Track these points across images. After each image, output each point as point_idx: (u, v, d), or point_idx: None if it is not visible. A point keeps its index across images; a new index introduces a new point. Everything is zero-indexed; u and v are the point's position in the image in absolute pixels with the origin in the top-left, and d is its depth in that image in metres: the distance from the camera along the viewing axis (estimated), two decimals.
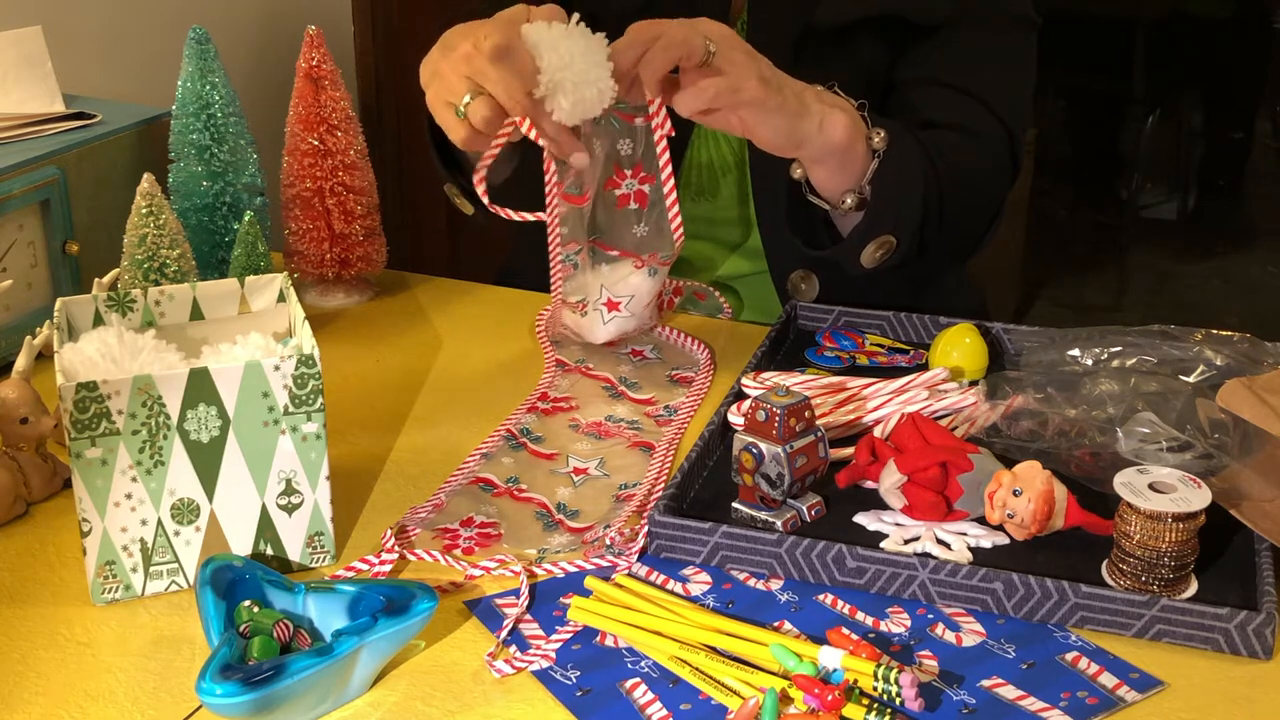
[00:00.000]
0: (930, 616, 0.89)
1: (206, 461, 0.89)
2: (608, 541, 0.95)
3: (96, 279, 1.08)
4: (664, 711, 0.80)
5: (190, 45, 1.27)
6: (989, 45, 1.30)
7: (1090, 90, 4.24)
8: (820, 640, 0.85)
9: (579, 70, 1.02)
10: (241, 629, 0.82)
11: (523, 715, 0.81)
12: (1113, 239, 4.22)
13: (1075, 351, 1.14)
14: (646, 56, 1.05)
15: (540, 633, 0.88)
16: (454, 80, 1.04)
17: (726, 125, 1.11)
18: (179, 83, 1.28)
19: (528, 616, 0.89)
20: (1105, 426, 1.00)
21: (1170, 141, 4.30)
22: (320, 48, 1.30)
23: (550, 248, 1.19)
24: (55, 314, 0.97)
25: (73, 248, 1.26)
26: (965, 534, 0.95)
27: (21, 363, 1.02)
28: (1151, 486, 0.89)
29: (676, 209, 1.17)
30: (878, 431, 1.06)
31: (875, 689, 0.80)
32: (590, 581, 0.91)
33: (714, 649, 0.85)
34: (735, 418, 1.07)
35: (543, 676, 0.83)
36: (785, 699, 0.80)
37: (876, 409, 1.09)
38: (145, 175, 1.12)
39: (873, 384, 1.12)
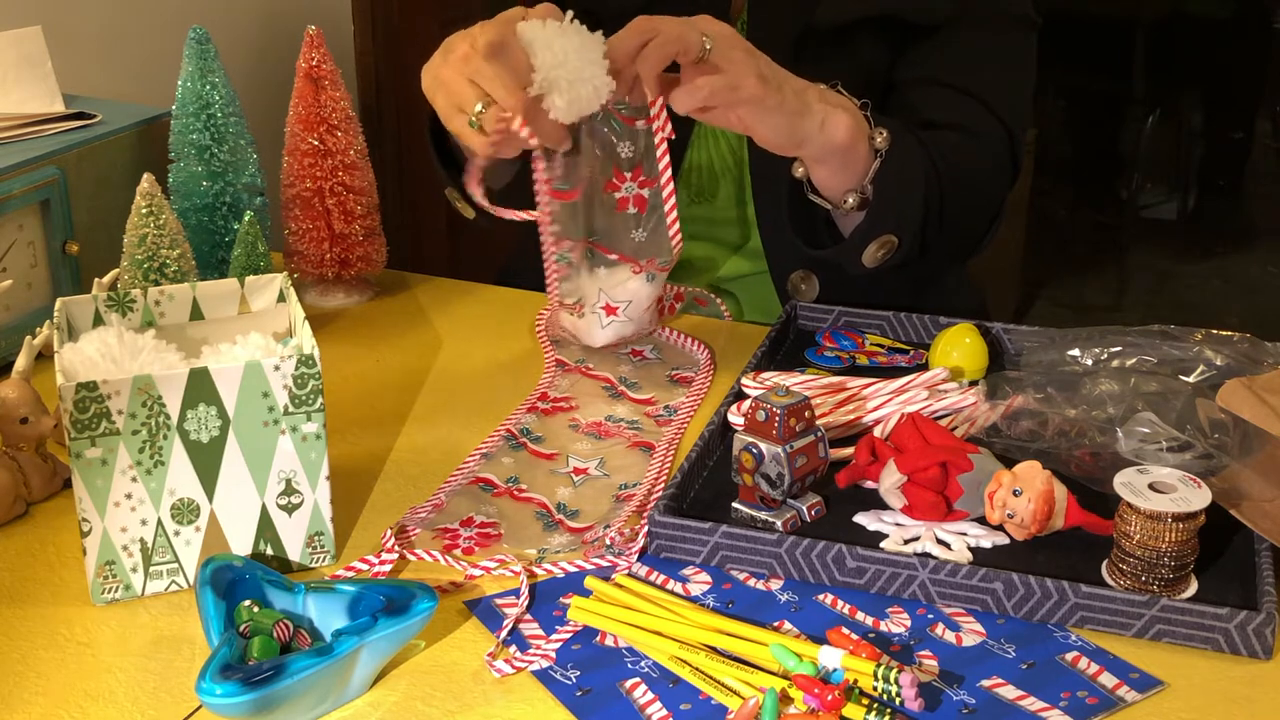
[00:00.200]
0: (930, 616, 0.89)
1: (206, 461, 0.89)
2: (608, 541, 0.95)
3: (96, 279, 1.08)
4: (664, 711, 0.80)
5: (190, 45, 1.27)
6: (989, 45, 1.30)
7: (1090, 90, 4.24)
8: (820, 640, 0.85)
9: (573, 67, 1.03)
10: (241, 629, 0.82)
11: (523, 715, 0.81)
12: (1113, 239, 4.22)
13: (1075, 351, 1.14)
14: (643, 53, 1.05)
15: (540, 633, 0.88)
16: (458, 86, 1.04)
17: (726, 123, 1.11)
18: (179, 83, 1.28)
19: (528, 616, 0.89)
20: (1105, 426, 1.00)
21: (1170, 141, 4.30)
22: (320, 48, 1.30)
23: (543, 247, 1.18)
24: (55, 314, 0.97)
25: (73, 248, 1.26)
26: (965, 534, 0.95)
27: (21, 363, 1.02)
28: (1151, 486, 0.89)
29: (675, 215, 1.17)
30: (878, 431, 1.06)
31: (875, 689, 0.80)
32: (590, 581, 0.91)
33: (714, 649, 0.85)
34: (735, 418, 1.07)
35: (543, 676, 0.83)
36: (785, 699, 0.80)
37: (876, 409, 1.09)
38: (145, 175, 1.12)
39: (873, 384, 1.12)
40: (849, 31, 1.27)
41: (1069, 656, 0.85)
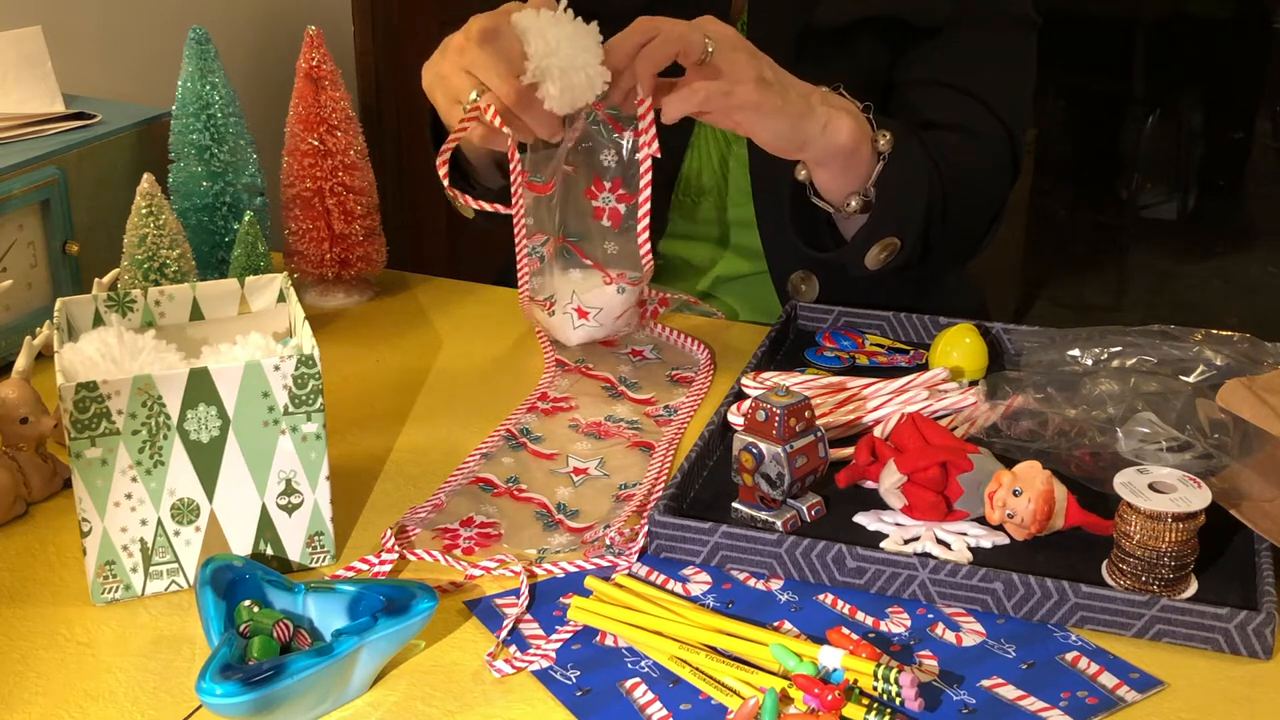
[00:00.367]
0: (930, 616, 0.89)
1: (206, 461, 0.89)
2: (608, 541, 0.95)
3: (96, 279, 1.08)
4: (664, 711, 0.80)
5: (190, 45, 1.27)
6: (989, 45, 1.30)
7: (1090, 90, 4.24)
8: (820, 640, 0.85)
9: (566, 56, 1.03)
10: (241, 629, 0.82)
11: (523, 715, 0.81)
12: (1113, 239, 4.22)
13: (1075, 351, 1.14)
14: (642, 52, 1.05)
15: (540, 633, 0.88)
16: (455, 78, 1.05)
17: (725, 125, 1.11)
18: (179, 83, 1.28)
19: (528, 616, 0.89)
20: (1105, 426, 1.00)
21: (1170, 141, 4.30)
22: (320, 48, 1.30)
23: (516, 239, 1.17)
24: (55, 314, 0.97)
25: (73, 248, 1.26)
26: (965, 534, 0.95)
27: (21, 363, 1.02)
28: (1151, 486, 0.89)
29: (646, 236, 1.16)
30: (878, 431, 1.06)
31: (875, 689, 0.80)
32: (590, 581, 0.91)
33: (714, 649, 0.85)
34: (735, 418, 1.07)
35: (543, 676, 0.83)
36: (785, 699, 0.80)
37: (876, 409, 1.09)
38: (145, 175, 1.12)
39: (873, 384, 1.12)
40: (849, 32, 1.27)
41: (1069, 656, 0.85)
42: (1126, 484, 0.89)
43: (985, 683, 0.83)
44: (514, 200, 1.15)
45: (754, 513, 0.97)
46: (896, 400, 1.10)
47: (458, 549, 0.96)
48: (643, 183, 1.14)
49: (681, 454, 1.09)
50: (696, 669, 0.83)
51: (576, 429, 1.13)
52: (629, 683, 0.83)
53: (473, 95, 1.04)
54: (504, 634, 0.87)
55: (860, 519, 0.98)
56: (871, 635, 0.87)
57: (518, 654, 0.85)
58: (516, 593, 0.91)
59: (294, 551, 0.93)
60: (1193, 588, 0.89)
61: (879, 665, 0.81)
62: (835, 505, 0.99)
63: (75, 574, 0.94)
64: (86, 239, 1.28)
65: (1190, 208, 4.32)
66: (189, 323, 1.02)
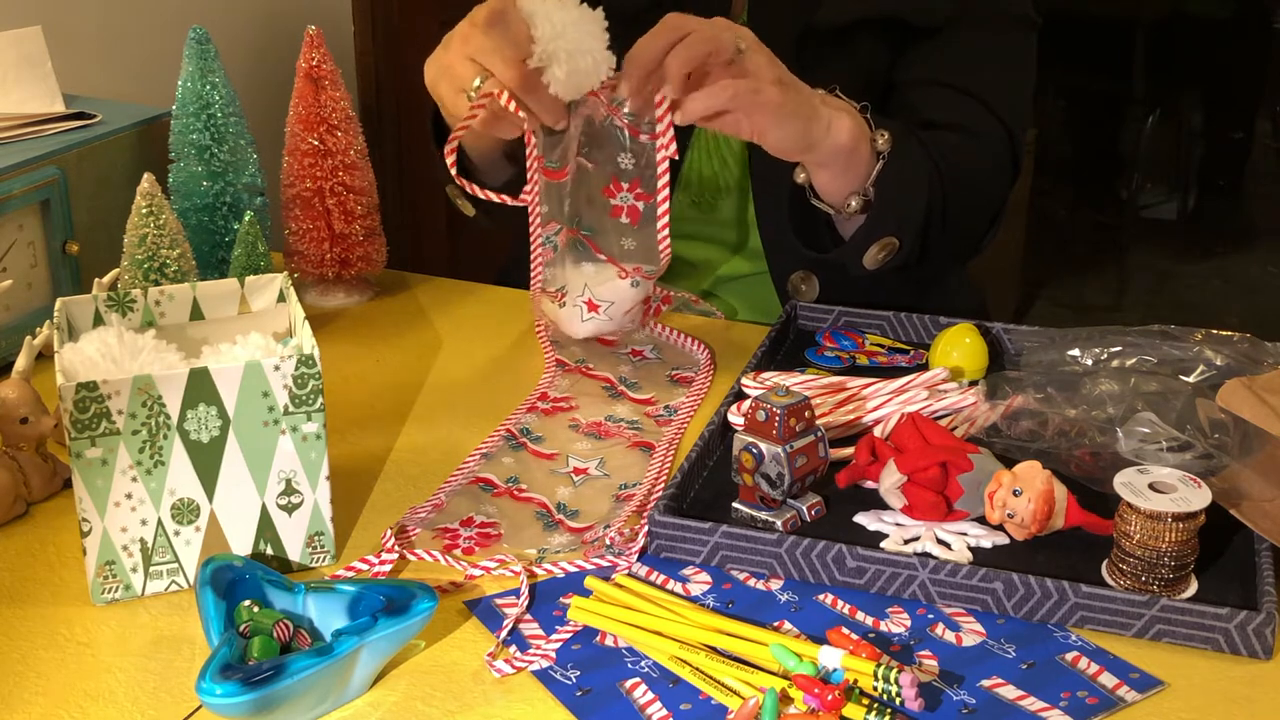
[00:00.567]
0: (930, 616, 0.89)
1: (206, 461, 0.89)
2: (608, 541, 0.95)
3: (96, 279, 1.08)
4: (664, 711, 0.80)
5: (190, 45, 1.27)
6: (989, 45, 1.30)
7: (1090, 90, 4.24)
8: (820, 640, 0.85)
9: (572, 39, 1.03)
10: (241, 629, 0.82)
11: (523, 715, 0.81)
12: (1113, 239, 4.22)
13: (1075, 351, 1.14)
14: (676, 49, 1.04)
15: (540, 633, 0.88)
16: (459, 66, 1.05)
17: (737, 129, 1.10)
18: (179, 83, 1.28)
19: (528, 616, 0.89)
20: (1105, 426, 1.00)
21: (1170, 141, 4.30)
22: (320, 48, 1.30)
23: (530, 227, 1.17)
24: (55, 314, 0.97)
25: (73, 248, 1.26)
26: (965, 534, 0.95)
27: (21, 363, 1.02)
28: (1151, 486, 0.89)
29: (666, 232, 1.17)
30: (878, 431, 1.06)
31: (875, 689, 0.80)
32: (590, 581, 0.91)
33: (714, 649, 0.85)
34: (735, 418, 1.07)
35: (543, 676, 0.83)
36: (785, 699, 0.80)
37: (876, 409, 1.09)
38: (145, 175, 1.12)
39: (873, 384, 1.12)
40: (849, 32, 1.27)
41: (1069, 656, 0.85)
42: (1126, 484, 0.89)
43: (985, 683, 0.83)
44: (529, 185, 1.14)
45: (754, 513, 0.97)
46: (896, 400, 1.10)
47: (458, 549, 0.96)
48: (660, 183, 1.15)
49: (681, 454, 1.09)
50: (696, 669, 0.83)
51: (577, 429, 1.13)
52: (629, 683, 0.83)
53: (476, 82, 1.04)
54: (504, 634, 0.87)
55: (860, 519, 0.98)
56: (871, 635, 0.87)
57: (518, 654, 0.85)
58: (516, 593, 0.91)
59: (294, 551, 0.93)
60: (1193, 588, 0.89)
61: (879, 665, 0.81)
62: (835, 505, 0.99)
63: (75, 574, 0.94)
64: (86, 239, 1.28)
65: (1190, 208, 4.32)
66: (189, 323, 1.02)
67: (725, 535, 0.93)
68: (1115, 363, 1.12)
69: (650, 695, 0.82)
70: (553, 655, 0.85)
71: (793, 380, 1.11)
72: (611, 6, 1.09)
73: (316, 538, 0.94)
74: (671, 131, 1.10)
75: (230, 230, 1.30)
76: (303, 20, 1.36)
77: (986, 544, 0.95)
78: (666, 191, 1.15)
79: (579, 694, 0.82)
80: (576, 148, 1.15)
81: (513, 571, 0.93)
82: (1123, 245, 4.17)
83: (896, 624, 0.88)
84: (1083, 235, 4.27)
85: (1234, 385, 1.03)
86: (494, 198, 1.14)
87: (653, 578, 0.93)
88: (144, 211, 1.12)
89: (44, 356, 1.01)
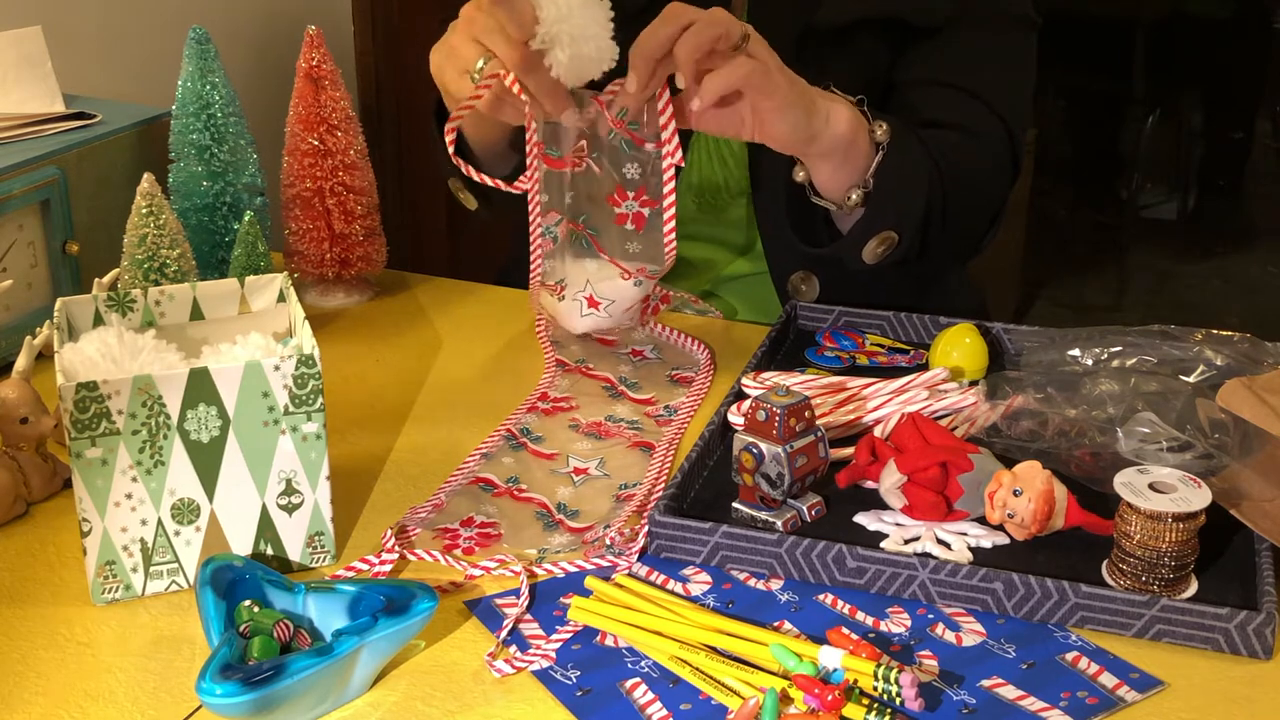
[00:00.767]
0: (930, 616, 0.89)
1: (206, 461, 0.89)
2: (608, 541, 0.95)
3: (96, 279, 1.08)
4: (664, 711, 0.80)
5: (190, 45, 1.27)
6: (989, 45, 1.30)
7: (1090, 90, 4.24)
8: (820, 640, 0.85)
9: (577, 24, 1.03)
10: (241, 629, 0.82)
11: (523, 715, 0.81)
12: (1113, 239, 4.22)
13: (1075, 351, 1.14)
14: (684, 36, 1.04)
15: (540, 633, 0.88)
16: (464, 47, 1.06)
17: (739, 129, 1.10)
18: (179, 83, 1.28)
19: (528, 616, 0.89)
20: (1105, 426, 1.00)
21: (1170, 141, 4.30)
22: (320, 48, 1.30)
23: (530, 215, 1.16)
24: (55, 314, 0.97)
25: (73, 248, 1.26)
26: (965, 534, 0.95)
27: (21, 363, 1.02)
28: (1151, 486, 0.89)
29: (672, 236, 1.17)
30: (878, 431, 1.06)
31: (875, 689, 0.80)
32: (590, 581, 0.91)
33: (714, 649, 0.85)
34: (735, 418, 1.07)
35: (543, 676, 0.83)
36: (785, 699, 0.80)
37: (876, 409, 1.09)
38: (145, 175, 1.12)
39: (873, 384, 1.12)
40: (849, 32, 1.27)
41: (1069, 656, 0.85)
42: (1126, 484, 0.89)
43: (985, 683, 0.83)
44: (529, 171, 1.14)
45: (754, 513, 0.97)
46: (896, 400, 1.10)
47: (458, 549, 0.96)
48: (666, 189, 1.15)
49: (681, 454, 1.09)
50: (696, 669, 0.83)
51: (577, 429, 1.13)
52: (629, 683, 0.83)
53: (480, 64, 1.04)
54: (504, 634, 0.87)
55: (860, 519, 0.98)
56: (871, 635, 0.87)
57: (518, 654, 0.85)
58: (516, 593, 0.91)
59: (294, 551, 0.93)
60: (1193, 588, 0.89)
61: (879, 665, 0.81)
62: (835, 505, 0.99)
63: (75, 574, 0.94)
64: (86, 239, 1.28)
65: (1190, 208, 4.32)
66: (189, 323, 1.02)
67: (725, 535, 0.93)
68: (1115, 363, 1.12)
69: (650, 695, 0.82)
70: (553, 655, 0.85)
71: (793, 380, 1.11)
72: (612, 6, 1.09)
73: (316, 538, 0.94)
74: (677, 138, 1.10)
75: (230, 230, 1.30)
76: (303, 20, 1.36)
77: (986, 544, 0.95)
78: (673, 198, 1.15)
79: (579, 694, 0.82)
80: (585, 147, 1.15)
81: (513, 571, 0.93)
82: (1123, 245, 4.17)
83: (896, 624, 0.88)
84: (1083, 235, 4.27)
85: (1234, 385, 1.03)
86: (489, 181, 1.14)
87: (653, 578, 0.93)
88: (144, 211, 1.12)
89: (44, 356, 1.01)
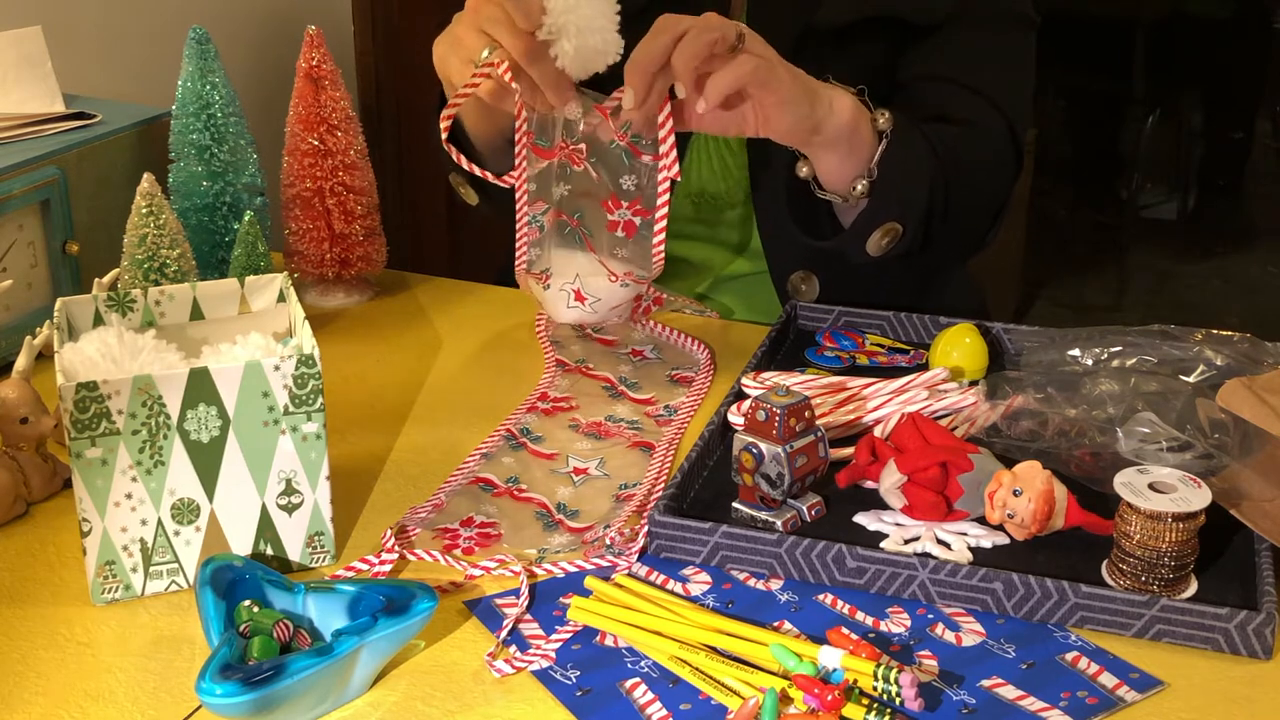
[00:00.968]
0: (930, 616, 0.89)
1: (206, 461, 0.89)
2: (608, 541, 0.95)
3: (96, 279, 1.08)
4: (664, 711, 0.80)
5: (190, 45, 1.27)
6: (989, 44, 1.30)
7: (1090, 90, 4.24)
8: (820, 640, 0.85)
9: (584, 16, 1.03)
10: (241, 629, 0.82)
11: (523, 715, 0.81)
12: (1113, 239, 4.22)
13: (1075, 351, 1.14)
14: (681, 44, 1.04)
15: (540, 633, 0.88)
16: (469, 37, 1.06)
17: (742, 125, 1.10)
18: (179, 83, 1.28)
19: (528, 616, 0.89)
20: (1105, 426, 1.00)
21: (1170, 141, 4.30)
22: (320, 48, 1.30)
23: (518, 205, 1.16)
24: (55, 314, 0.97)
25: (73, 248, 1.26)
26: (965, 534, 0.95)
27: (21, 363, 1.02)
28: (1151, 486, 0.89)
29: (661, 247, 1.17)
30: (878, 431, 1.06)
31: (875, 689, 0.80)
32: (590, 581, 0.91)
33: (714, 649, 0.85)
34: (735, 418, 1.07)
35: (543, 676, 0.83)
36: (785, 699, 0.80)
37: (876, 409, 1.09)
38: (145, 175, 1.12)
39: (873, 384, 1.12)
40: (849, 32, 1.27)
41: (1069, 656, 0.85)
42: (1126, 484, 0.89)
43: (985, 683, 0.83)
44: (517, 160, 1.14)
45: (754, 513, 0.97)
46: (896, 400, 1.10)
47: (458, 549, 0.96)
48: (660, 200, 1.15)
49: (681, 454, 1.09)
50: (696, 669, 0.83)
51: (576, 429, 1.13)
52: (629, 683, 0.83)
53: (485, 53, 1.04)
54: (504, 634, 0.87)
55: (860, 519, 0.98)
56: (871, 635, 0.87)
57: (518, 654, 0.85)
58: (516, 593, 0.91)
59: (294, 551, 0.93)
60: (1193, 588, 0.89)
61: (879, 665, 0.81)
62: (835, 505, 0.99)
63: (75, 574, 0.94)
64: (86, 239, 1.28)
65: (1190, 208, 4.32)
66: (189, 323, 1.02)
67: (725, 535, 0.93)
68: (1115, 363, 1.12)
69: (650, 695, 0.82)
70: (553, 655, 0.85)
71: (793, 380, 1.11)
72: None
73: (316, 538, 0.94)
74: (675, 153, 1.10)
75: (230, 230, 1.30)
76: (303, 20, 1.36)
77: (986, 544, 0.95)
78: (665, 210, 1.15)
79: (579, 694, 0.82)
80: (585, 149, 1.15)
81: (513, 571, 0.93)
82: (1123, 245, 4.17)
83: (896, 624, 0.88)
84: (1083, 235, 4.27)
85: (1234, 385, 1.03)
86: (478, 171, 1.15)
87: (653, 578, 0.93)
88: (144, 211, 1.12)
89: (44, 356, 1.01)
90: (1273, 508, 0.92)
